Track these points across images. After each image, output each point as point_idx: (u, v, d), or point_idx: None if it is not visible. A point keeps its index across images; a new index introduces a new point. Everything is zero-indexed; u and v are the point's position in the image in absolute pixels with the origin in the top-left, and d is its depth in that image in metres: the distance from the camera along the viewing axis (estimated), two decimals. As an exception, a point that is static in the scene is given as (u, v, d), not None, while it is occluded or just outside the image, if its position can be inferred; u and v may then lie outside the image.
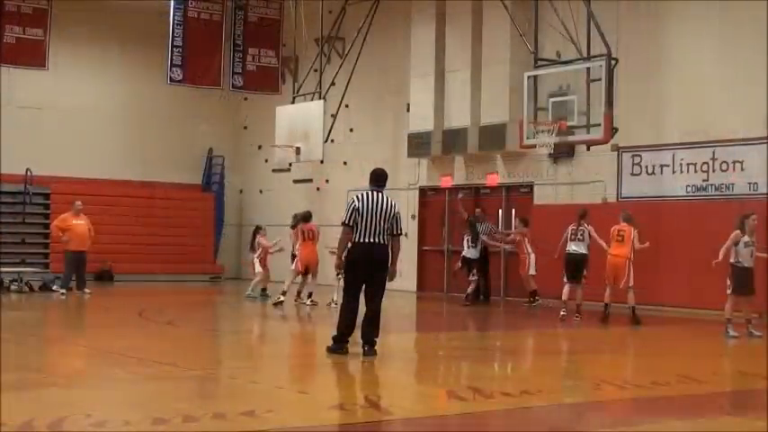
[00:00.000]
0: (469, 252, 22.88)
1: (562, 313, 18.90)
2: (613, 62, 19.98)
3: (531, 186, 25.20)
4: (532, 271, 22.34)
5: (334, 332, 12.78)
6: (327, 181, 30.85)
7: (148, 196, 31.59)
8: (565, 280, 19.31)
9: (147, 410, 8.58)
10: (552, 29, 21.38)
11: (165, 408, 8.78)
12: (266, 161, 32.38)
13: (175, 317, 18.77)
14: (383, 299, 12.95)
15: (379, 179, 13.04)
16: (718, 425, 8.95)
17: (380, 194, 12.80)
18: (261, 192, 33.78)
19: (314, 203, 28.99)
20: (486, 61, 25.49)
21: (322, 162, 27.66)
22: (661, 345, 16.52)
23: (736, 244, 16.53)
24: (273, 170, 32.11)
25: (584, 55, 20.60)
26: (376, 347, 12.68)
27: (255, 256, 23.22)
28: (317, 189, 31.16)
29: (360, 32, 26.70)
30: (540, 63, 21.73)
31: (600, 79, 20.02)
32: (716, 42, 21.74)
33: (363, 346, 12.65)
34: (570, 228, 19.41)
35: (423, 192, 28.02)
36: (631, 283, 18.53)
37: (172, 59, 28.43)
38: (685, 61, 22.21)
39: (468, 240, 22.93)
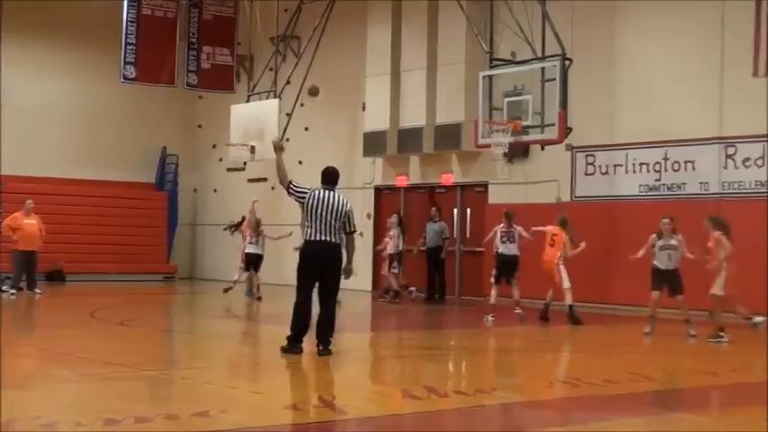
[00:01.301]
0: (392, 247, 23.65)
1: (517, 311, 19.00)
2: (567, 62, 20.08)
3: (485, 186, 25.25)
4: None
5: (289, 332, 12.75)
6: (282, 180, 30.71)
7: (101, 195, 31.32)
8: (492, 281, 19.39)
9: (98, 411, 8.50)
10: (507, 29, 21.45)
11: (117, 408, 8.70)
12: (221, 160, 32.24)
13: (128, 317, 18.63)
14: (337, 298, 12.98)
15: (329, 178, 13.02)
16: (669, 422, 9.01)
17: (332, 193, 12.77)
18: (215, 191, 33.62)
19: (269, 202, 28.89)
20: (442, 61, 25.53)
21: (277, 161, 27.55)
22: (614, 343, 16.62)
23: (653, 246, 17.00)
24: (228, 169, 31.99)
25: (539, 55, 20.68)
26: (331, 347, 12.66)
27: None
28: (272, 188, 30.96)
29: (315, 31, 26.64)
30: (495, 63, 21.78)
31: (554, 79, 20.10)
32: (669, 43, 21.89)
33: (318, 345, 12.64)
34: (500, 229, 19.46)
35: (378, 191, 28.01)
36: (567, 285, 18.55)
37: (125, 57, 28.25)
38: (639, 62, 22.35)
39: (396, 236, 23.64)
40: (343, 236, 12.78)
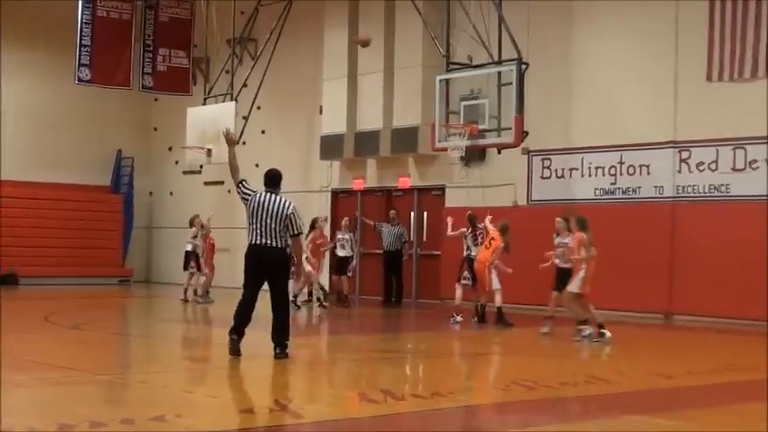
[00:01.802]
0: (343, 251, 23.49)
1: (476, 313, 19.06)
2: (524, 66, 20.17)
3: (442, 189, 25.31)
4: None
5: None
6: (239, 183, 30.63)
7: (56, 198, 31.09)
8: (461, 283, 19.38)
9: (53, 416, 8.43)
10: (464, 33, 21.53)
11: (71, 413, 8.63)
12: (177, 163, 32.12)
13: (83, 321, 18.49)
14: (289, 299, 13.04)
15: (271, 180, 12.97)
16: (626, 424, 9.07)
17: (273, 196, 12.72)
18: (171, 194, 33.47)
19: (225, 206, 28.81)
20: (399, 64, 25.56)
21: (233, 164, 27.46)
22: (569, 346, 16.68)
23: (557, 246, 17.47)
24: (184, 172, 31.88)
25: (496, 59, 20.77)
26: (288, 350, 12.66)
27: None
28: (228, 191, 30.89)
29: (272, 34, 26.62)
30: (452, 67, 21.85)
31: (511, 83, 20.20)
32: (624, 47, 22.04)
33: (275, 349, 12.62)
34: (468, 233, 19.44)
35: (335, 194, 27.98)
36: (497, 286, 18.57)
37: (80, 59, 28.08)
38: (594, 66, 22.49)
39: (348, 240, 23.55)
40: (289, 239, 12.74)
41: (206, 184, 31.42)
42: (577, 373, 12.16)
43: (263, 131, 29.48)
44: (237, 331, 12.71)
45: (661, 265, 20.88)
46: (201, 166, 29.37)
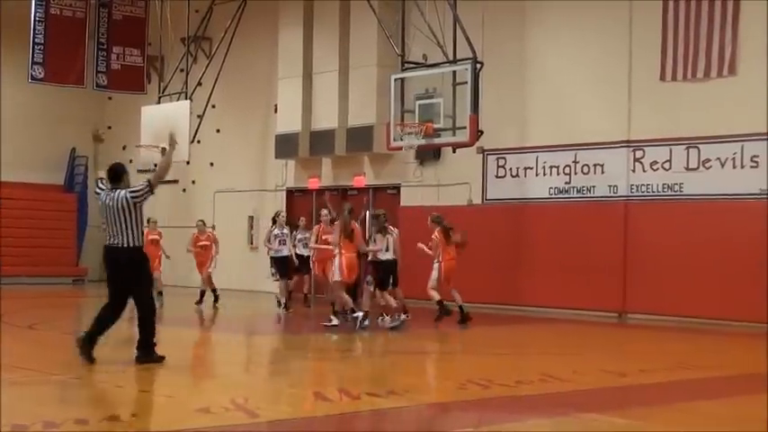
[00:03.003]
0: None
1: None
2: (479, 66, 20.22)
3: (398, 188, 25.36)
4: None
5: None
6: (194, 182, 30.57)
7: (8, 197, 30.80)
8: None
9: (6, 416, 8.36)
10: (419, 32, 21.54)
11: (25, 413, 8.58)
12: (131, 161, 31.83)
13: (37, 320, 18.36)
14: (149, 298, 12.41)
15: (113, 176, 12.22)
16: (580, 423, 9.13)
17: (115, 192, 12.02)
18: (125, 192, 33.21)
19: (180, 205, 28.70)
20: (354, 63, 25.57)
21: (188, 163, 27.37)
22: (523, 344, 16.78)
23: None
24: (138, 171, 31.51)
25: (451, 58, 20.81)
26: (154, 355, 12.20)
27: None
28: (183, 190, 30.83)
29: (227, 32, 26.52)
30: (406, 66, 21.87)
31: (466, 82, 20.24)
32: (579, 47, 22.17)
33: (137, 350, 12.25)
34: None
35: (290, 193, 27.94)
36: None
37: (33, 57, 27.84)
38: (549, 65, 22.61)
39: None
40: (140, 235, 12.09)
41: (160, 182, 31.23)
42: (532, 372, 12.23)
43: (217, 130, 29.39)
44: (90, 337, 12.04)
45: (615, 263, 21.04)
46: (155, 165, 29.18)
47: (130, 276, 12.05)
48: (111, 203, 11.94)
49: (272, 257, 22.14)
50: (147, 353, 12.15)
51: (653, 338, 17.95)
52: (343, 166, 26.51)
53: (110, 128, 33.58)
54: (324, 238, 19.01)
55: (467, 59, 20.33)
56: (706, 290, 19.60)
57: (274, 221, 22.13)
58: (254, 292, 27.48)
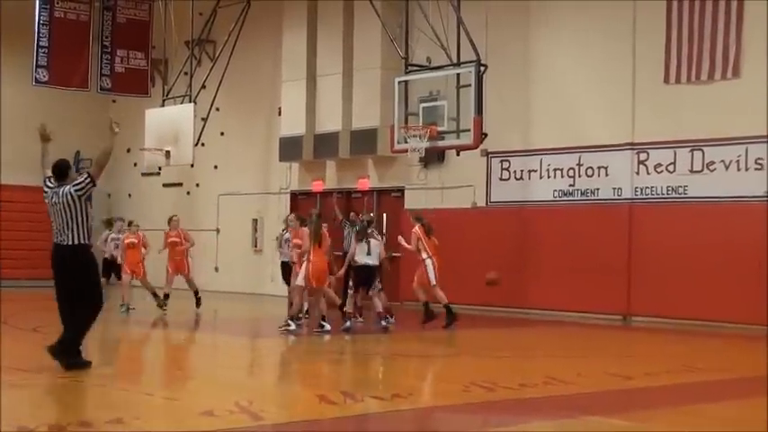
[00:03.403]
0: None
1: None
2: (482, 68, 20.21)
3: (402, 191, 25.35)
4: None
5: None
6: (198, 185, 30.58)
7: (12, 200, 30.81)
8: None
9: (11, 419, 8.36)
10: (423, 34, 21.54)
11: (30, 416, 8.58)
12: (135, 165, 31.95)
13: (42, 323, 18.33)
14: (94, 303, 11.85)
15: (59, 173, 11.89)
16: (584, 425, 9.11)
17: (60, 188, 11.67)
18: (130, 195, 33.28)
19: (184, 207, 28.69)
20: (358, 66, 25.57)
21: (192, 166, 27.40)
22: (527, 347, 16.75)
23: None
24: (143, 174, 31.73)
25: (454, 61, 20.80)
26: (79, 360, 11.65)
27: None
28: (188, 193, 30.85)
29: (231, 35, 26.54)
30: (410, 68, 21.86)
31: (470, 85, 20.23)
32: (583, 49, 22.15)
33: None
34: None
35: (294, 196, 27.94)
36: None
37: (37, 60, 27.89)
38: (553, 68, 22.59)
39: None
40: (84, 199, 11.75)
41: (165, 185, 31.29)
42: (536, 375, 12.21)
43: (221, 133, 29.39)
44: (61, 345, 11.58)
45: (619, 266, 21.01)
46: (160, 168, 29.29)
47: (72, 274, 11.61)
48: (56, 200, 11.63)
49: (282, 262, 20.70)
50: (70, 355, 11.50)
51: (657, 341, 17.93)
52: (347, 169, 26.50)
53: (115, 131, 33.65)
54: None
55: (470, 62, 20.32)
56: (711, 292, 19.56)
57: (287, 225, 21.57)
58: (258, 295, 27.47)
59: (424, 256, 18.72)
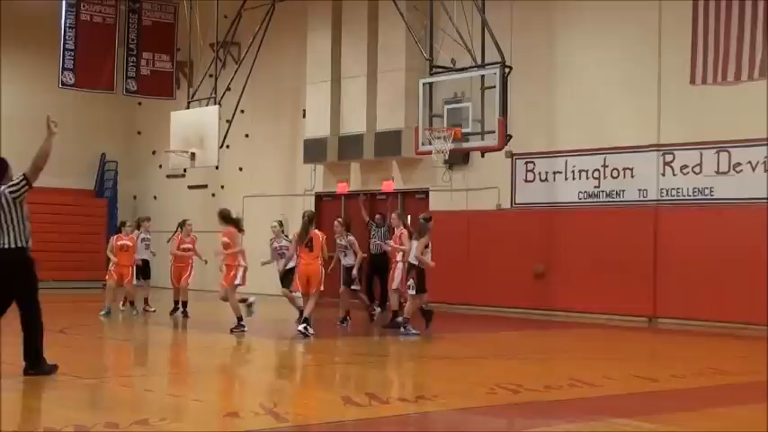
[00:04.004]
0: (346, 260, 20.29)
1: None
2: (507, 70, 20.17)
3: (426, 192, 25.32)
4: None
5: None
6: (223, 187, 30.65)
7: (39, 202, 30.77)
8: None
9: (38, 420, 8.41)
10: (447, 36, 21.53)
11: (56, 417, 8.62)
12: (160, 167, 32.06)
13: (68, 324, 18.42)
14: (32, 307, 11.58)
15: None
16: (610, 427, 9.08)
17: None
18: (155, 198, 33.40)
19: (209, 209, 28.70)
20: (382, 68, 25.57)
21: (217, 168, 27.45)
22: (552, 349, 16.71)
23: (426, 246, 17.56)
24: (168, 176, 31.83)
25: (479, 62, 20.78)
26: (46, 366, 11.26)
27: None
28: (213, 195, 30.91)
29: (255, 37, 26.59)
30: (435, 70, 21.83)
31: (494, 87, 20.20)
32: (608, 50, 22.08)
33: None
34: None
35: (318, 198, 27.97)
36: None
37: (63, 63, 28.05)
38: (578, 69, 22.52)
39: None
40: (19, 204, 11.40)
41: (190, 188, 31.38)
42: (561, 377, 12.18)
43: (246, 135, 29.47)
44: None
45: (645, 268, 20.93)
46: (185, 170, 29.38)
47: (11, 280, 11.20)
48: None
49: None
50: (36, 363, 11.17)
51: (683, 343, 17.85)
52: (371, 171, 26.52)
53: (139, 133, 33.86)
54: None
55: (495, 63, 20.29)
56: (737, 294, 19.47)
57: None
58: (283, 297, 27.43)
59: (399, 258, 18.71)
